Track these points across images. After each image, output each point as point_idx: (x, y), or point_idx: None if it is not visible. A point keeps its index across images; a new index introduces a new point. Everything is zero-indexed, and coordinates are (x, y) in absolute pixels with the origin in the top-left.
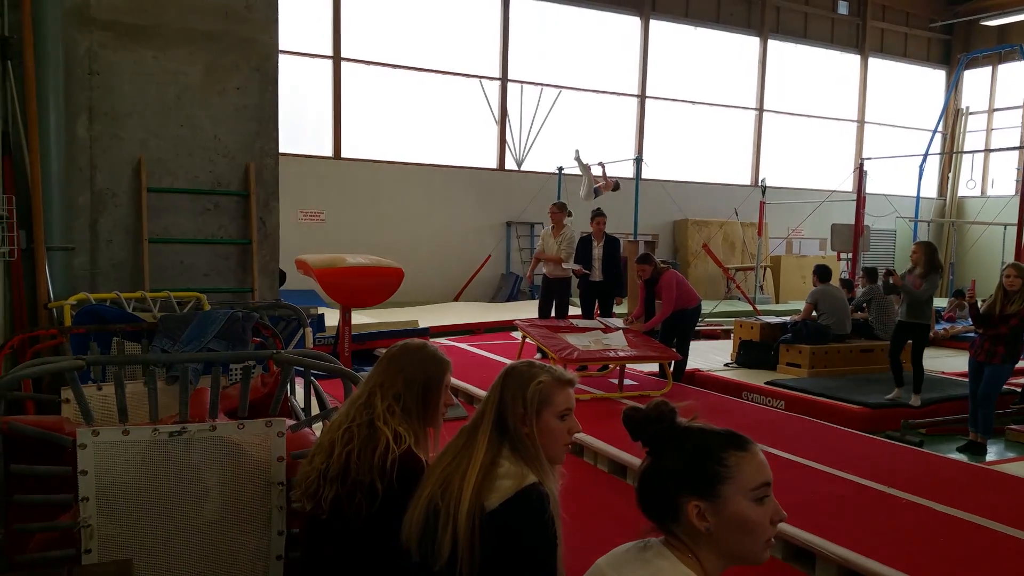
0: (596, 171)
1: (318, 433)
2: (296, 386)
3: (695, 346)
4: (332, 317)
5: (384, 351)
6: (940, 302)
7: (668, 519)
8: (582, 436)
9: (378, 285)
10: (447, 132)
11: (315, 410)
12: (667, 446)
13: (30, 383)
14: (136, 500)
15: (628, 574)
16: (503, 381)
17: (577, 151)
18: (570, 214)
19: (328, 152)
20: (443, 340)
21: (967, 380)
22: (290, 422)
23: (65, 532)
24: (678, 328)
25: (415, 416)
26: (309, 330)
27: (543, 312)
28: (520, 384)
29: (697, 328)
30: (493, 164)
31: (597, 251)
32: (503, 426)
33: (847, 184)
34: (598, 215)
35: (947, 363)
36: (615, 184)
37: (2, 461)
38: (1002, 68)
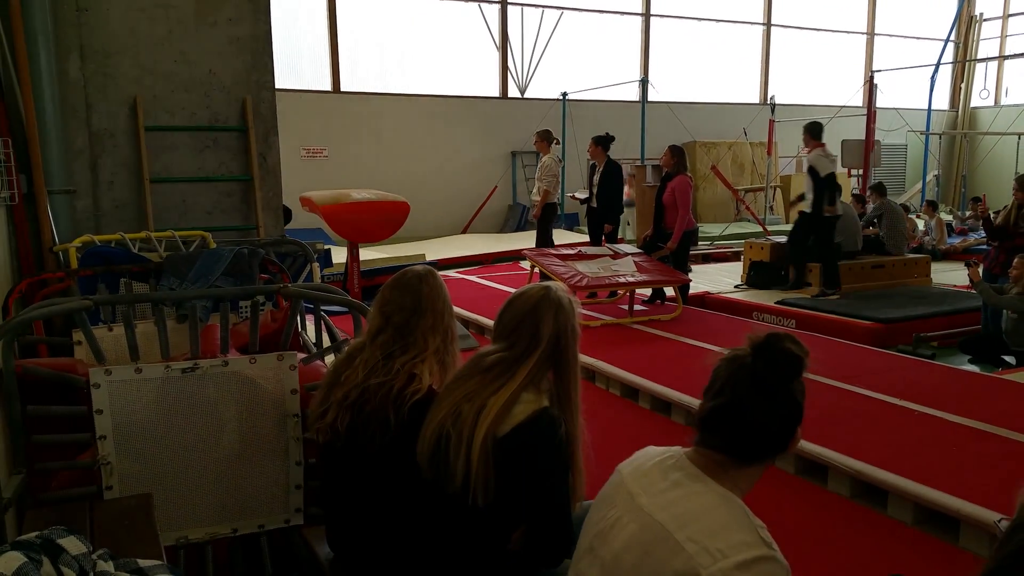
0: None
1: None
2: (307, 322)
3: (705, 269)
4: (339, 255)
5: (391, 280)
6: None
7: (770, 451)
8: (594, 361)
9: (384, 220)
10: (447, 61)
11: (326, 343)
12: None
13: (42, 326)
14: (153, 437)
15: (661, 499)
16: (557, 310)
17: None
18: (557, 142)
19: (327, 86)
20: (452, 272)
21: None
22: (301, 355)
23: (86, 470)
24: (678, 250)
25: (434, 345)
26: (316, 265)
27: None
28: (572, 312)
29: (707, 252)
30: (496, 92)
31: (596, 177)
32: (556, 357)
33: (857, 99)
34: (591, 140)
35: (959, 276)
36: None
37: (20, 403)
38: None
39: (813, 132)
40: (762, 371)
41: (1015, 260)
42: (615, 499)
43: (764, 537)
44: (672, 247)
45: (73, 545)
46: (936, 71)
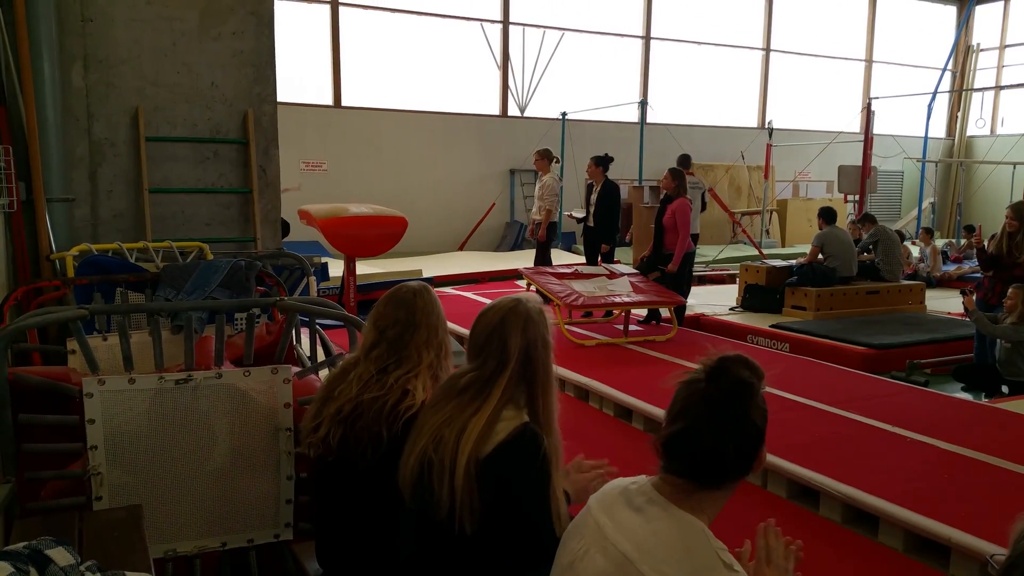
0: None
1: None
2: (302, 336)
3: (700, 291)
4: (336, 268)
5: (386, 295)
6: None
7: (732, 474)
8: (588, 381)
9: (382, 235)
10: (449, 78)
11: (321, 357)
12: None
13: (36, 334)
14: (145, 448)
15: (625, 528)
16: (525, 323)
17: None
18: (557, 160)
19: (328, 101)
20: (448, 289)
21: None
22: (296, 369)
23: (76, 480)
24: (677, 272)
25: (428, 359)
26: (313, 279)
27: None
28: (542, 324)
29: (703, 273)
30: (496, 110)
31: (593, 197)
32: (528, 371)
33: (854, 125)
34: (590, 160)
35: (954, 303)
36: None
37: (10, 411)
38: (1014, 3)
39: (680, 161)
40: (715, 397)
41: (1009, 290)
42: (583, 530)
43: (725, 560)
44: (673, 269)
45: (61, 556)
46: (933, 99)
